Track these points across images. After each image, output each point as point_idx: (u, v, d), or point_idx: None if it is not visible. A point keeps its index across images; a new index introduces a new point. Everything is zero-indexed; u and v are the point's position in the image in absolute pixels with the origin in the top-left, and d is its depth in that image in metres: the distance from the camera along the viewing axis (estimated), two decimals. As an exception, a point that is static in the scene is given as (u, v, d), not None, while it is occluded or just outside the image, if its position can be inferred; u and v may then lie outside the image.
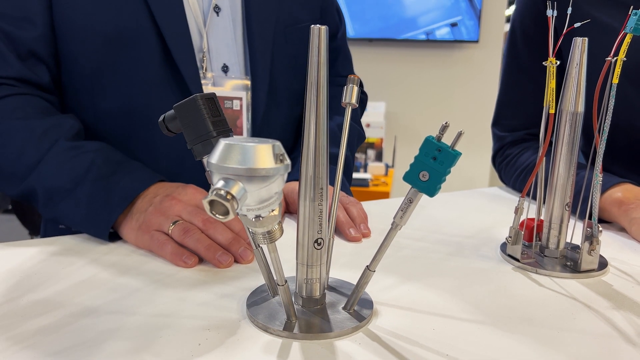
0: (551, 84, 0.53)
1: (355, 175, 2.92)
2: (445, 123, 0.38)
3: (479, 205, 0.83)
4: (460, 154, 0.39)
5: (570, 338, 0.43)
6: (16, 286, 0.50)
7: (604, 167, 0.83)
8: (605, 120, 0.52)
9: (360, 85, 1.03)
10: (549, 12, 0.54)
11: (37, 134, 0.65)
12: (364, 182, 2.76)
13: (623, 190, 0.70)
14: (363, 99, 1.03)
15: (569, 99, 0.55)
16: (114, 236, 0.63)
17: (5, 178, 0.65)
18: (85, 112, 0.73)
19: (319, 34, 0.39)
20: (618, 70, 0.51)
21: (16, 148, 0.64)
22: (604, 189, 0.71)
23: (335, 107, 0.89)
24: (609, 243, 0.66)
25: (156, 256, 0.58)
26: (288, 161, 0.34)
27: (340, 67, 0.97)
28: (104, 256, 0.58)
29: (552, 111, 0.53)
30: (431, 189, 0.39)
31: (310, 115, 0.40)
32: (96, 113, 0.73)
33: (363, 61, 3.07)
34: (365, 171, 3.06)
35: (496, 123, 0.93)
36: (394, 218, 0.42)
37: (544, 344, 0.42)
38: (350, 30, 2.95)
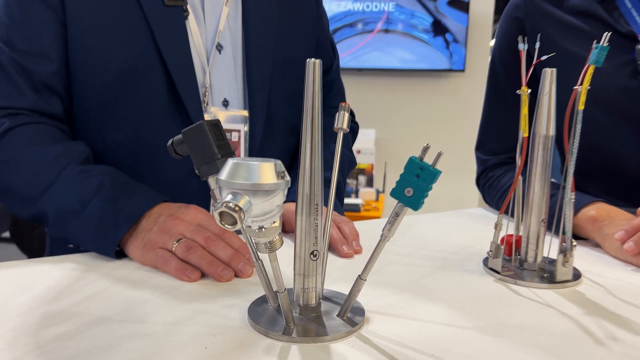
0: (524, 110, 0.58)
1: (347, 200, 2.97)
2: (427, 145, 0.43)
3: (464, 224, 0.88)
4: (440, 172, 0.44)
5: (545, 340, 0.47)
6: (32, 299, 0.53)
7: (580, 188, 0.89)
8: (574, 143, 0.57)
9: (352, 114, 1.08)
10: (521, 46, 0.60)
11: (49, 159, 0.69)
12: (355, 208, 2.80)
13: (596, 209, 0.75)
14: (354, 127, 1.08)
15: (541, 123, 0.60)
16: (119, 254, 0.67)
17: (19, 200, 0.69)
18: (94, 140, 0.78)
19: (313, 67, 0.44)
20: (583, 98, 0.56)
21: (30, 172, 0.68)
22: (578, 208, 0.76)
23: (328, 135, 0.94)
24: (584, 257, 0.70)
25: (161, 272, 0.62)
26: (288, 178, 0.39)
27: (333, 99, 1.02)
28: (112, 272, 0.62)
29: (525, 135, 0.58)
30: (415, 203, 0.44)
31: (306, 140, 0.45)
32: (105, 142, 0.78)
33: (353, 90, 3.14)
34: (357, 197, 3.11)
35: (479, 147, 0.98)
36: (382, 230, 0.47)
37: (522, 346, 0.46)
38: (344, 60, 3.03)
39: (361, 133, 3.47)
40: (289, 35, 0.90)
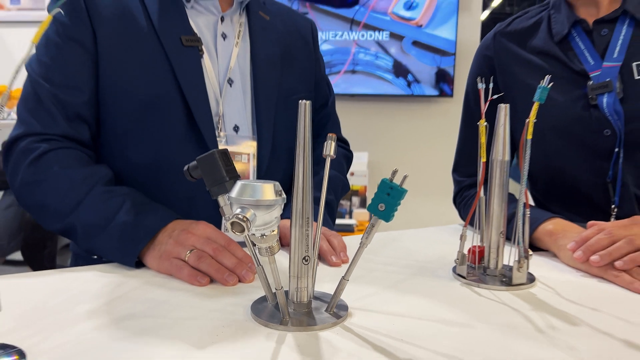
0: (482, 139, 0.69)
1: (341, 221, 3.07)
2: (395, 169, 0.54)
3: (442, 238, 0.98)
4: (406, 190, 0.54)
5: (497, 329, 0.57)
6: (67, 301, 0.63)
7: (543, 205, 1.00)
8: (524, 166, 0.68)
9: (346, 144, 1.20)
10: (480, 85, 0.71)
11: (78, 180, 0.79)
12: (349, 228, 2.90)
13: (553, 224, 0.85)
14: (349, 156, 1.19)
15: (497, 150, 0.71)
16: (138, 264, 0.77)
17: (49, 216, 0.80)
18: (117, 162, 0.89)
19: (304, 107, 0.55)
20: (531, 129, 0.67)
21: (60, 192, 0.79)
22: (538, 223, 0.86)
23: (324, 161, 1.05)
24: (542, 265, 0.81)
25: (175, 278, 0.72)
26: (284, 195, 0.49)
27: (330, 130, 1.14)
28: (133, 278, 0.72)
29: (483, 160, 0.69)
30: (387, 216, 0.55)
31: (299, 166, 0.56)
32: (127, 164, 0.88)
33: (347, 114, 3.26)
34: (351, 217, 3.21)
35: (455, 169, 1.09)
36: (361, 239, 0.57)
37: (477, 333, 0.56)
38: (335, 87, 3.16)
39: (355, 156, 3.58)
40: (291, 73, 1.02)
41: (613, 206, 0.89)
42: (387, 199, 0.54)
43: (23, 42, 4.42)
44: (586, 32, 0.93)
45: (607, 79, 0.88)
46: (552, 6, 0.98)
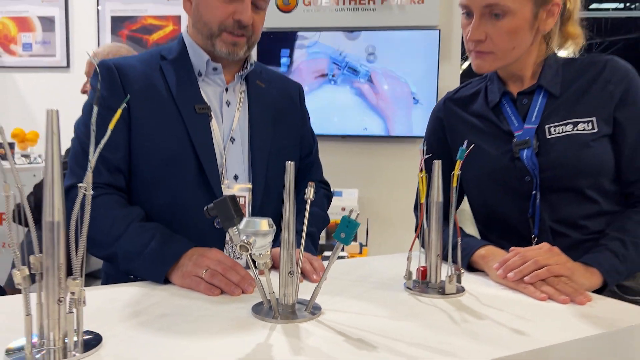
0: (420, 186, 0.94)
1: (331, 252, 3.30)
2: (352, 210, 0.79)
3: (401, 262, 1.21)
4: (359, 224, 0.79)
5: (428, 322, 0.81)
6: (122, 305, 0.87)
7: (483, 234, 1.24)
8: (453, 206, 0.93)
9: (328, 186, 1.44)
10: (420, 146, 0.97)
11: (119, 218, 1.04)
12: (340, 258, 3.13)
13: (485, 250, 1.10)
14: (329, 195, 1.44)
15: (433, 194, 0.96)
16: (165, 281, 1.00)
17: (97, 246, 1.04)
18: (144, 203, 1.13)
19: (290, 167, 0.80)
20: (456, 179, 0.92)
21: (106, 227, 1.03)
22: (474, 249, 1.11)
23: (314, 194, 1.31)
24: (474, 281, 1.05)
25: (194, 291, 0.96)
26: (274, 227, 0.74)
27: (314, 174, 1.39)
28: (163, 291, 0.96)
29: (422, 201, 0.94)
30: (346, 241, 0.79)
31: (286, 207, 0.81)
32: (152, 205, 1.13)
33: (338, 154, 3.55)
34: (342, 250, 3.43)
35: (415, 208, 1.34)
36: (330, 258, 0.82)
37: (414, 326, 0.80)
38: (331, 128, 3.44)
39: (346, 192, 3.83)
40: (281, 131, 1.27)
41: (533, 236, 1.14)
42: (346, 229, 0.79)
43: (34, 87, 4.73)
44: (512, 100, 1.19)
45: (527, 138, 1.13)
46: (489, 79, 1.24)
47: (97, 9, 4.58)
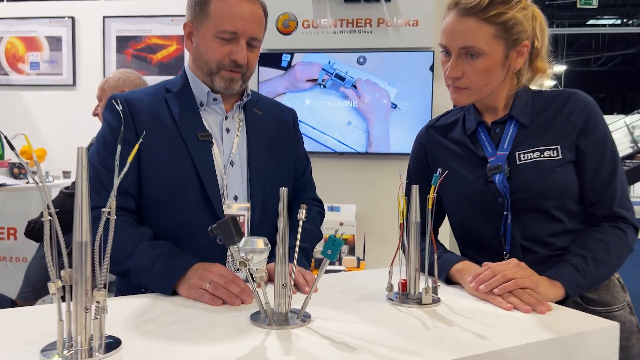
0: (399, 208, 1.07)
1: (331, 267, 3.42)
2: (337, 230, 0.91)
3: (386, 275, 1.34)
4: (343, 242, 0.91)
5: (405, 329, 0.93)
6: (137, 313, 0.99)
7: (462, 250, 1.36)
8: (429, 226, 1.05)
9: (321, 203, 1.56)
10: (399, 172, 1.09)
11: (131, 237, 1.16)
12: (339, 272, 3.24)
13: (462, 264, 1.22)
14: (322, 212, 1.55)
15: (412, 214, 1.08)
16: (172, 293, 1.12)
17: (111, 262, 1.15)
18: (152, 223, 1.25)
19: (284, 193, 0.93)
20: (431, 200, 1.04)
21: (119, 245, 1.14)
22: (452, 264, 1.22)
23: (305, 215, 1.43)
24: (451, 292, 1.16)
25: (199, 301, 1.07)
26: (269, 245, 0.86)
27: (308, 193, 1.52)
28: (171, 302, 1.07)
29: (401, 221, 1.06)
30: (332, 257, 0.91)
31: (280, 227, 0.93)
32: (159, 225, 1.25)
33: (336, 170, 3.67)
34: (340, 264, 3.55)
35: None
36: (318, 273, 0.94)
37: (392, 332, 0.92)
38: (334, 146, 3.57)
39: (343, 208, 3.96)
40: (277, 154, 1.40)
41: (505, 252, 1.25)
42: (332, 247, 0.91)
43: (41, 104, 4.87)
44: (487, 129, 1.32)
45: (499, 163, 1.26)
46: (467, 109, 1.37)
47: (103, 29, 4.73)
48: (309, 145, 3.37)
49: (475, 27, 1.18)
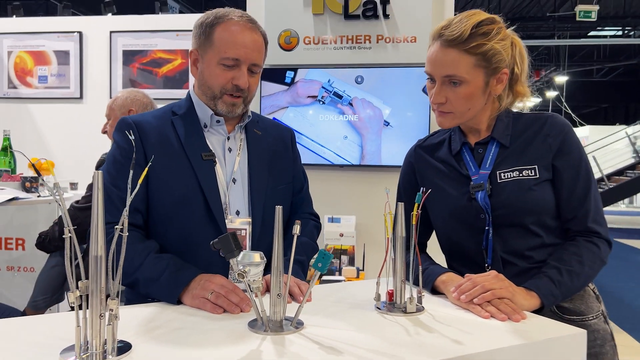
0: (386, 224, 1.16)
1: (331, 277, 3.50)
2: (326, 244, 1.00)
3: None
4: (332, 256, 1.00)
5: (388, 334, 1.02)
6: (146, 319, 1.08)
7: (448, 263, 1.45)
8: (413, 240, 1.14)
9: (317, 217, 1.66)
10: (386, 190, 1.18)
11: (138, 251, 1.26)
12: (338, 283, 3.32)
13: (446, 276, 1.30)
14: (318, 226, 1.65)
15: (397, 230, 1.18)
16: (178, 302, 1.21)
17: (123, 274, 1.25)
18: (159, 238, 1.35)
19: (279, 211, 1.02)
20: (415, 219, 1.14)
21: (128, 259, 1.23)
22: (437, 275, 1.31)
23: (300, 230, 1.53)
24: (435, 302, 1.25)
25: (201, 310, 1.16)
26: (265, 259, 0.96)
27: (305, 207, 1.61)
28: (175, 311, 1.17)
29: (387, 236, 1.16)
30: (322, 269, 1.01)
31: (275, 241, 1.02)
32: (165, 238, 1.35)
33: (336, 182, 3.77)
34: (340, 274, 3.63)
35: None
36: (309, 283, 1.03)
37: (376, 337, 1.01)
38: (331, 158, 3.66)
39: (343, 219, 4.05)
40: (275, 172, 1.50)
41: (487, 264, 1.34)
42: (322, 260, 1.01)
43: (49, 117, 4.99)
44: (470, 149, 1.41)
45: (481, 182, 1.35)
46: (452, 130, 1.47)
47: (110, 44, 4.86)
48: (310, 158, 3.51)
49: (457, 58, 1.28)
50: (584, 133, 20.16)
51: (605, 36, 16.04)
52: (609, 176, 13.09)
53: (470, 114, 1.34)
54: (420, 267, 1.18)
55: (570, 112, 18.20)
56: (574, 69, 18.41)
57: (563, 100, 17.95)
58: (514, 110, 1.45)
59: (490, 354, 0.94)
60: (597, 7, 8.86)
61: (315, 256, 1.54)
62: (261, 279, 0.99)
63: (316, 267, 1.01)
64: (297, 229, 1.04)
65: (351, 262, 3.78)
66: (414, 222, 1.15)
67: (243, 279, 0.93)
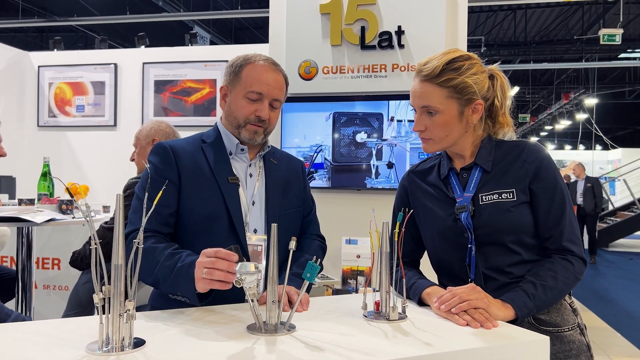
0: (372, 241, 1.30)
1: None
2: (315, 257, 1.16)
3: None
4: (320, 267, 1.15)
5: (371, 338, 1.16)
6: (161, 321, 1.25)
7: (439, 278, 1.58)
8: (395, 255, 1.28)
9: (323, 239, 1.81)
10: (373, 212, 1.33)
11: (158, 251, 1.44)
12: (352, 302, 3.44)
13: (431, 289, 1.43)
14: (324, 247, 1.80)
15: (382, 245, 1.32)
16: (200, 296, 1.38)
17: (145, 274, 1.42)
18: (186, 249, 1.51)
19: (274, 228, 1.18)
20: (397, 237, 1.28)
21: (150, 259, 1.42)
22: (423, 288, 1.44)
23: (305, 248, 1.69)
24: (420, 311, 1.38)
25: (208, 316, 1.32)
26: (259, 269, 1.12)
27: (312, 229, 1.79)
28: (186, 316, 1.33)
29: (372, 251, 1.30)
30: (311, 279, 1.16)
31: (271, 259, 1.18)
32: (193, 250, 1.50)
33: (352, 204, 3.91)
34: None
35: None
36: (299, 291, 1.18)
37: (362, 339, 1.15)
38: (345, 181, 3.82)
39: (361, 241, 4.15)
40: (288, 197, 1.68)
41: (470, 279, 1.47)
42: (311, 271, 1.16)
43: (85, 144, 5.29)
44: (456, 174, 1.55)
45: (465, 204, 1.48)
46: (442, 157, 1.61)
47: (142, 74, 5.16)
48: (326, 181, 3.66)
49: (431, 90, 1.44)
50: (616, 156, 19.80)
51: (635, 58, 15.90)
52: (641, 200, 12.84)
53: (449, 139, 1.49)
54: (404, 280, 1.32)
55: (601, 134, 17.97)
56: (604, 91, 18.24)
57: (593, 122, 17.74)
58: (505, 138, 1.58)
59: (455, 355, 1.07)
60: (621, 31, 8.87)
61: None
62: (256, 286, 1.15)
63: (305, 277, 1.17)
64: (292, 244, 1.20)
65: (369, 283, 3.90)
66: (396, 239, 1.29)
67: (239, 285, 1.09)
